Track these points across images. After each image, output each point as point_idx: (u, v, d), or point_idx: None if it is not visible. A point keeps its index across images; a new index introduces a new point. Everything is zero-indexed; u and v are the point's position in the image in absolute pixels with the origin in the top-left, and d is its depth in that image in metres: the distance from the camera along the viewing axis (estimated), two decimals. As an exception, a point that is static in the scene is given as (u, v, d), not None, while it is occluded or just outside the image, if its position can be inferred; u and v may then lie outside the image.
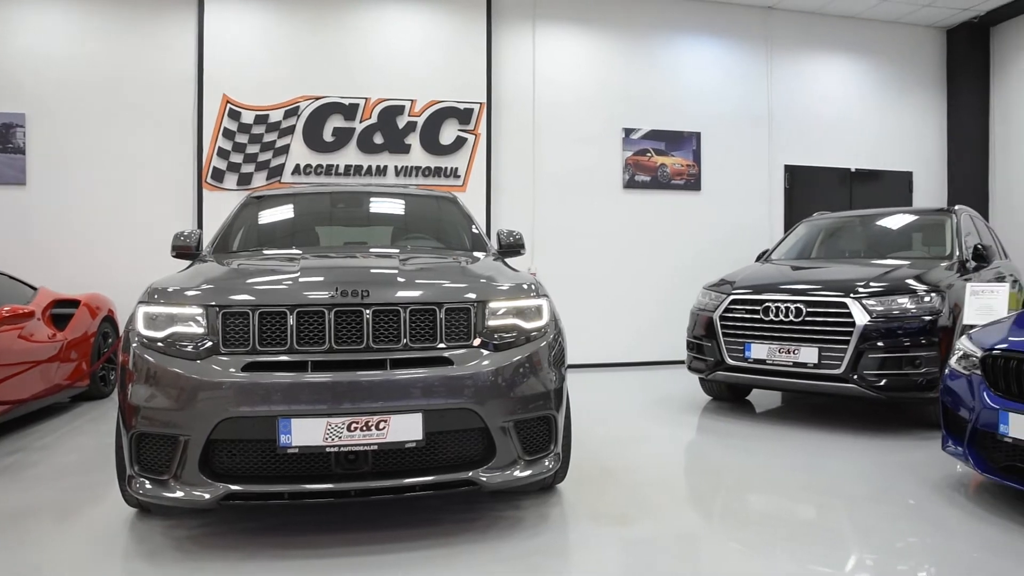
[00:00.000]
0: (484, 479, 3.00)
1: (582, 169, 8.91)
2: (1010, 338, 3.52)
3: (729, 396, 6.39)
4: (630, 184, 9.05)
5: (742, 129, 9.54)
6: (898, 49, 10.34)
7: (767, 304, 5.37)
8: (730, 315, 5.59)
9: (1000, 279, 5.99)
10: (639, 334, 9.03)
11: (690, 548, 3.13)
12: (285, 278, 3.15)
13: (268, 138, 8.01)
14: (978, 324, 4.25)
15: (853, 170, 9.99)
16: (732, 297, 5.61)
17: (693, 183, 9.28)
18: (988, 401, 3.44)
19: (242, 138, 7.93)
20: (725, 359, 5.56)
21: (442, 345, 3.04)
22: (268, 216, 4.77)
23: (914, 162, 10.42)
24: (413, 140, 8.36)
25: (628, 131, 9.04)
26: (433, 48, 8.48)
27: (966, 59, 10.35)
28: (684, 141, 9.24)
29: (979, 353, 3.60)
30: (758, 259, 7.01)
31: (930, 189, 10.49)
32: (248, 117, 7.94)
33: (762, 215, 9.62)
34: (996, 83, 10.30)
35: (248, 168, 7.97)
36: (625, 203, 9.06)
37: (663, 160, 9.16)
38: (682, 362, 6.44)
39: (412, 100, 8.35)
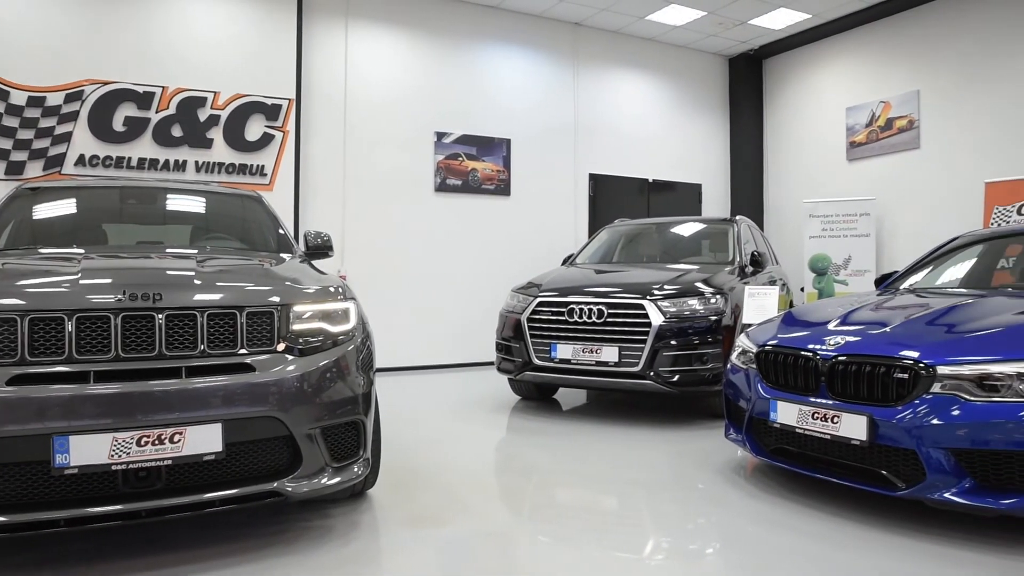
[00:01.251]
0: (290, 489, 2.89)
1: (394, 171, 8.87)
2: (779, 335, 3.94)
3: (537, 395, 6.62)
4: (442, 187, 9.13)
5: (550, 138, 9.95)
6: (690, 72, 11.27)
7: (572, 306, 5.62)
8: (537, 317, 5.79)
9: (772, 282, 6.69)
10: (450, 336, 9.13)
11: (503, 545, 3.20)
12: (63, 279, 2.85)
13: (45, 123, 7.20)
14: (754, 323, 4.72)
15: (651, 180, 10.74)
16: (539, 299, 5.82)
17: (503, 188, 9.53)
18: (762, 392, 3.82)
19: (11, 121, 7.07)
20: (533, 360, 5.75)
21: (243, 351, 2.90)
22: (45, 211, 4.29)
23: (703, 175, 11.40)
24: (216, 135, 7.89)
25: (440, 135, 9.12)
26: (240, 39, 8.06)
27: (745, 86, 11.49)
28: (495, 147, 9.47)
29: (754, 349, 3.99)
30: (564, 263, 7.33)
31: (717, 200, 11.53)
32: (19, 98, 7.09)
33: (568, 221, 10.08)
34: (768, 109, 11.51)
35: (19, 156, 7.12)
36: (436, 206, 9.13)
37: (474, 165, 9.33)
38: (492, 363, 6.58)
39: (215, 92, 7.88)
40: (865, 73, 9.99)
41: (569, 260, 7.34)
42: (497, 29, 9.58)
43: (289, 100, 8.20)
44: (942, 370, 3.15)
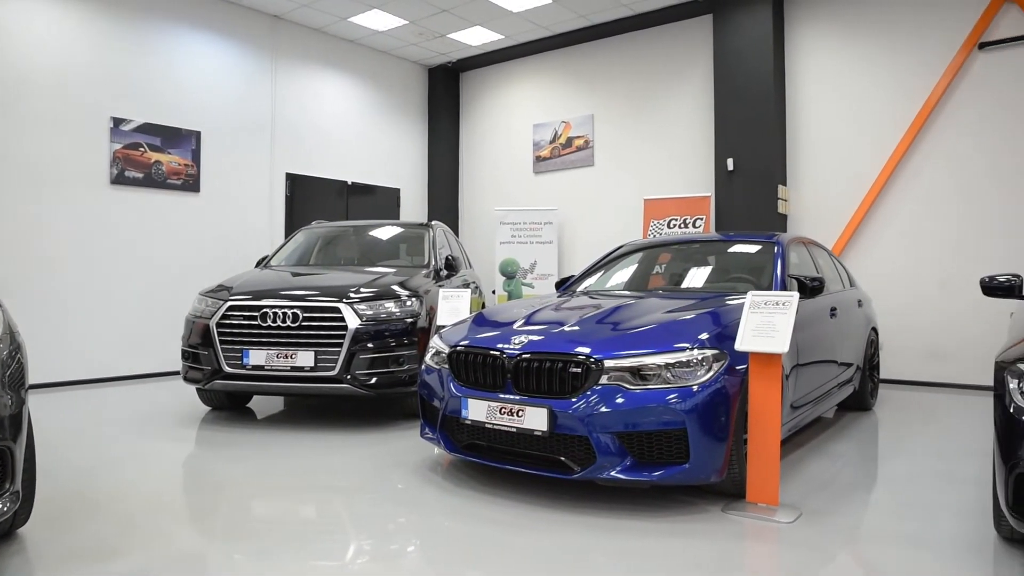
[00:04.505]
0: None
1: (57, 159, 7.71)
2: (469, 336, 4.13)
3: (229, 405, 6.21)
4: (119, 180, 8.16)
5: (245, 134, 9.41)
6: (392, 79, 11.40)
7: (265, 310, 5.36)
8: (228, 322, 5.43)
9: (466, 285, 7.00)
10: (128, 345, 8.18)
11: (193, 569, 2.92)
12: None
13: None
14: (448, 324, 4.89)
15: (350, 183, 10.66)
16: (230, 303, 5.47)
17: (192, 184, 8.80)
18: (454, 390, 3.97)
19: None
20: (223, 367, 5.38)
21: None
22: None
23: (402, 180, 11.60)
24: None
25: (118, 121, 8.15)
26: None
27: (443, 96, 11.93)
28: (183, 139, 8.71)
29: (447, 350, 4.14)
30: (258, 265, 6.98)
31: (415, 205, 11.80)
32: None
33: (263, 221, 9.61)
34: (464, 119, 12.08)
35: None
36: (113, 201, 8.13)
37: (158, 157, 8.50)
38: (178, 373, 6.02)
39: None
40: (550, 94, 10.93)
41: (263, 262, 7.00)
42: (188, 11, 8.81)
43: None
44: (608, 363, 3.54)
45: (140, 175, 8.35)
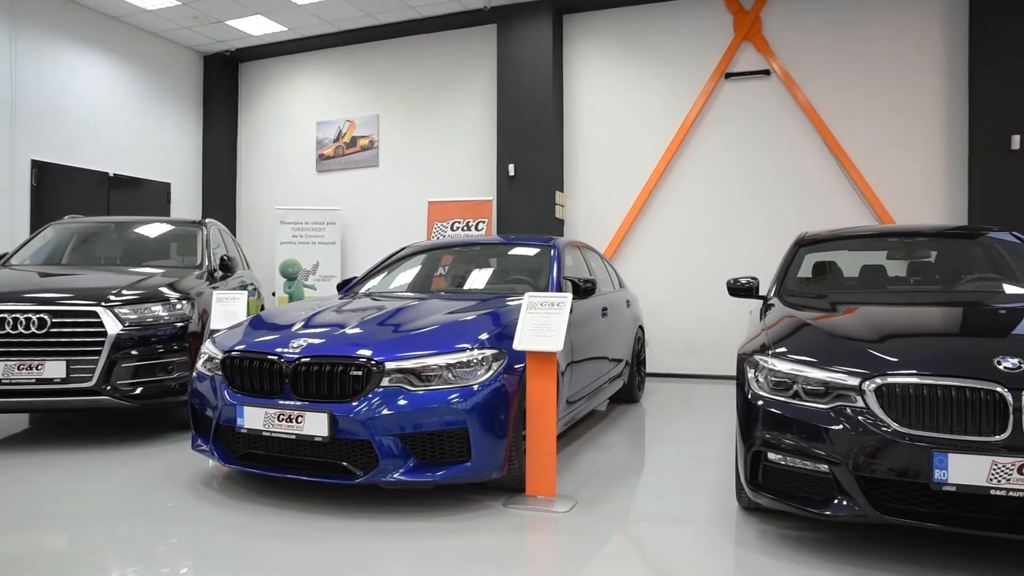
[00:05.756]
0: None
1: None
2: (245, 340, 3.92)
3: (-43, 425, 5.41)
4: None
5: (-21, 114, 8.24)
6: (162, 64, 10.53)
7: (4, 316, 4.73)
8: (-45, 329, 4.73)
9: (243, 287, 6.65)
10: None
11: None
12: None
13: None
14: (222, 328, 4.62)
15: (112, 175, 9.72)
16: (-42, 308, 4.76)
17: (-91, 170, 7.56)
18: (228, 398, 3.76)
19: None
20: (-53, 382, 4.67)
21: None
22: None
23: (173, 174, 10.77)
24: None
25: None
26: None
27: (220, 86, 11.23)
28: None
29: (220, 355, 3.90)
30: (-4, 264, 6.15)
31: (187, 201, 11.00)
32: None
33: (2, 213, 8.48)
34: (243, 113, 11.47)
35: None
36: None
37: None
38: None
39: None
40: (335, 92, 10.68)
41: (2, 260, 6.17)
42: None
43: None
44: (390, 365, 3.53)
45: None
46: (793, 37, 8.31)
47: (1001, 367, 2.74)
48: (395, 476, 3.47)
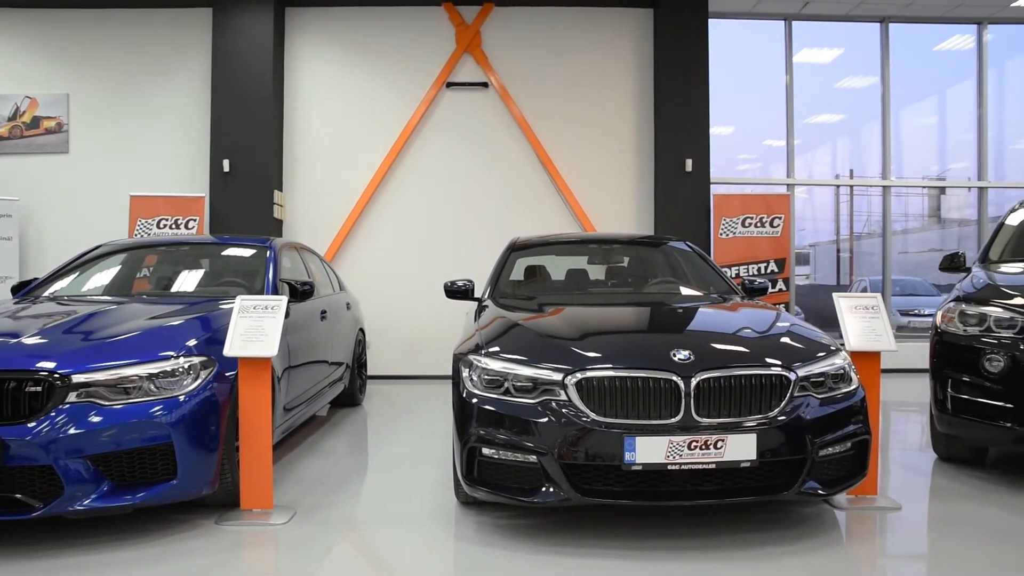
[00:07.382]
0: None
1: None
2: None
3: None
4: None
5: None
6: None
7: None
8: None
9: None
10: None
11: None
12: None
13: None
14: None
15: None
16: None
17: None
18: None
19: None
20: None
21: None
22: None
23: None
24: None
25: None
26: None
27: None
28: None
29: None
30: None
31: None
32: None
33: None
34: None
35: None
36: None
37: None
38: None
39: None
40: (11, 62, 9.19)
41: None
42: None
43: None
44: (78, 378, 3.12)
45: None
46: (510, 54, 8.86)
47: (676, 359, 3.15)
48: (85, 503, 3.08)
